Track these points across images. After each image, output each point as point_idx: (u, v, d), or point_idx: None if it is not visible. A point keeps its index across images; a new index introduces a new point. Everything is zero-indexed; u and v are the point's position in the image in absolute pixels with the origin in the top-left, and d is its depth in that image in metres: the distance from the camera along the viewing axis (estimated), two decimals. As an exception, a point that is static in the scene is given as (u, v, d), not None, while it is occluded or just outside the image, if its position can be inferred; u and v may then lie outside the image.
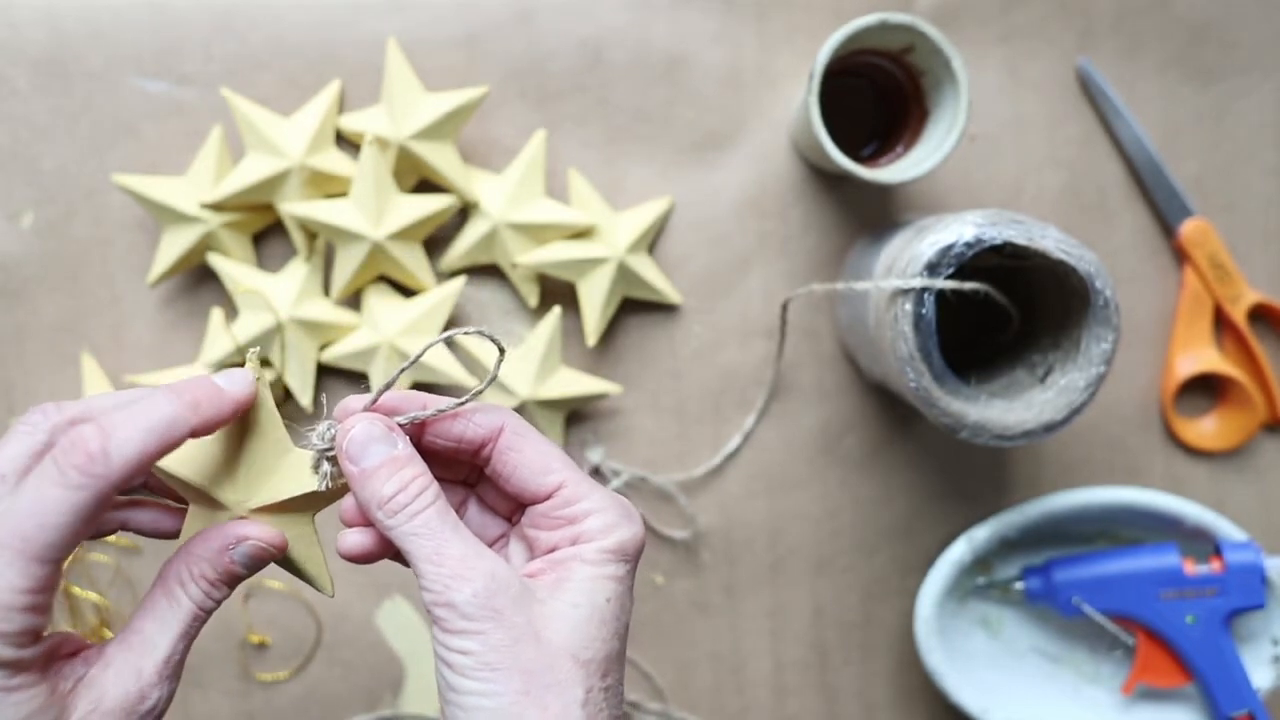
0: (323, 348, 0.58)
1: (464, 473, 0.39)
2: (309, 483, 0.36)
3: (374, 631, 0.62)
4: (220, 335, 0.58)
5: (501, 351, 0.36)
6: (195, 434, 0.33)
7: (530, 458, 0.36)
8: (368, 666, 0.62)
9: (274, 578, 0.61)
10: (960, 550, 0.59)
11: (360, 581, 0.61)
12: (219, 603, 0.35)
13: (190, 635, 0.35)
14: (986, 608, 0.62)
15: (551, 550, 0.35)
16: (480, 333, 0.36)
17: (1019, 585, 0.60)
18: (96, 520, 0.31)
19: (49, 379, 0.60)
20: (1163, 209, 0.61)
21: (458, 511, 0.38)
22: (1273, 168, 0.62)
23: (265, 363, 0.58)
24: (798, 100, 0.57)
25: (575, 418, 0.61)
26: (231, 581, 0.35)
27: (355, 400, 0.36)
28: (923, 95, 0.55)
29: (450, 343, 0.60)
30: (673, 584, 0.62)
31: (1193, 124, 0.62)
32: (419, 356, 0.37)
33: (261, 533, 0.35)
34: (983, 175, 0.61)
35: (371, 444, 0.34)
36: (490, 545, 0.38)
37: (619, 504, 0.36)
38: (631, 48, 0.60)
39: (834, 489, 0.62)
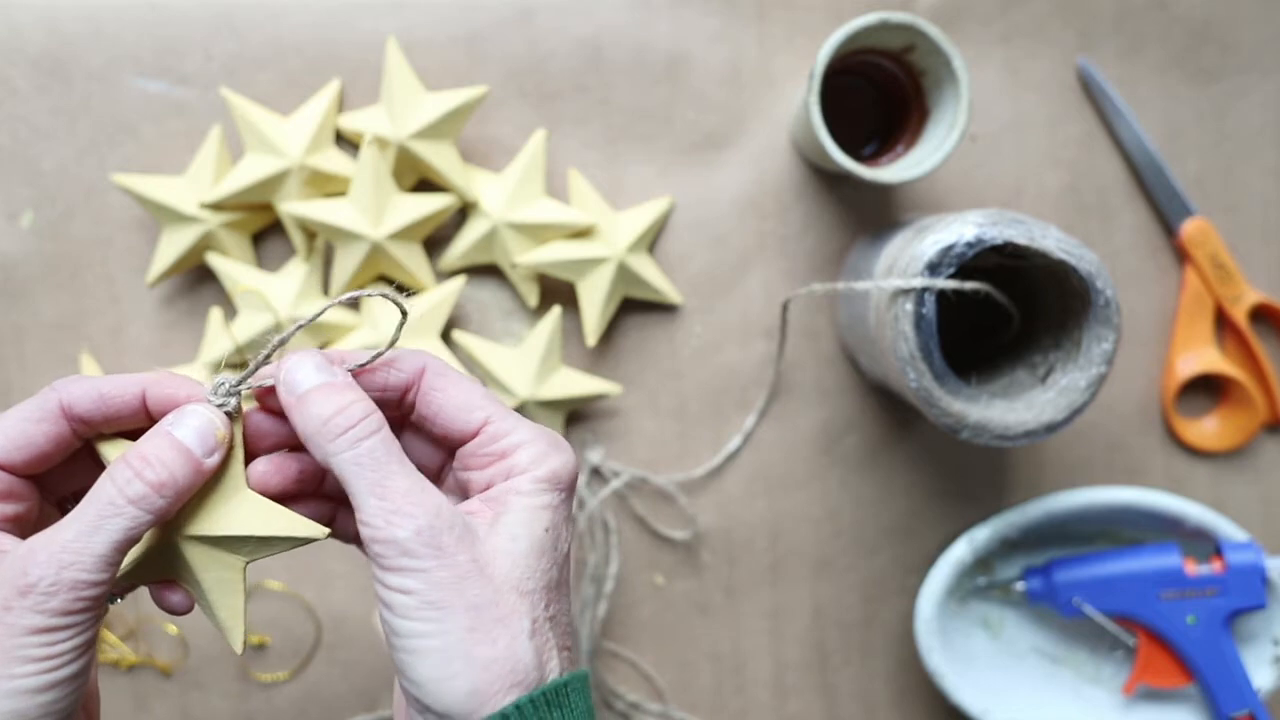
0: (322, 348, 0.58)
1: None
2: (252, 526, 0.35)
3: (374, 632, 0.62)
4: (220, 335, 0.58)
5: (404, 314, 0.36)
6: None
7: (454, 396, 0.36)
8: (368, 667, 0.62)
9: (274, 578, 0.61)
10: (961, 550, 0.59)
11: (360, 582, 0.61)
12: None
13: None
14: (987, 608, 0.62)
15: (486, 489, 0.35)
16: (384, 295, 0.36)
17: (1020, 585, 0.60)
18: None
19: (49, 379, 0.60)
20: (1163, 209, 0.61)
21: None
22: (1273, 168, 0.62)
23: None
24: (798, 100, 0.57)
25: (575, 418, 0.61)
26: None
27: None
28: (923, 95, 0.55)
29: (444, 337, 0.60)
30: (673, 584, 0.62)
31: (1193, 124, 0.62)
32: (317, 316, 0.37)
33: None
34: (983, 175, 0.61)
35: (311, 370, 0.35)
36: None
37: (547, 435, 0.36)
38: (631, 48, 0.60)
39: (834, 489, 0.62)
